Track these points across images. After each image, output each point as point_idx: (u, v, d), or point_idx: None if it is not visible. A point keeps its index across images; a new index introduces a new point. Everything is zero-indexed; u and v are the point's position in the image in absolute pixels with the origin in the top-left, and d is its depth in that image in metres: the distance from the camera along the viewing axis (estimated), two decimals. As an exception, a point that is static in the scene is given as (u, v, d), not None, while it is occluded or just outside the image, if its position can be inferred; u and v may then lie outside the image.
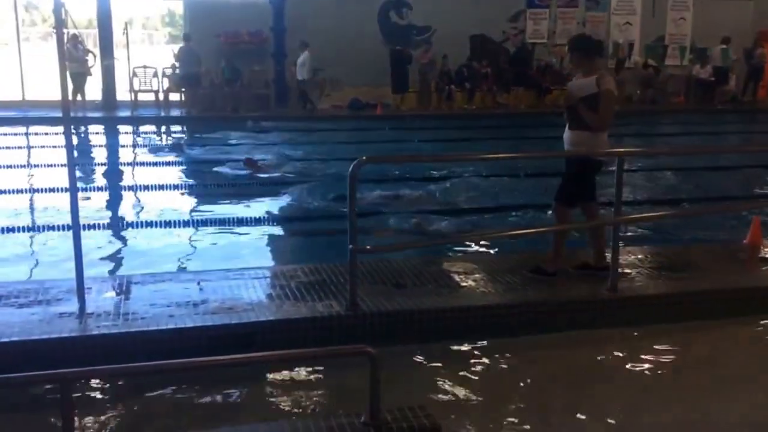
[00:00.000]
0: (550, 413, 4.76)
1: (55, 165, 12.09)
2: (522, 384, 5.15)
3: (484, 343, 5.65)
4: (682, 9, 24.41)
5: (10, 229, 8.63)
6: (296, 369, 5.10)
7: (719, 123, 20.62)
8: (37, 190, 10.96)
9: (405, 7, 23.33)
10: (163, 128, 18.99)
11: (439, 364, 5.31)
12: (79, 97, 19.94)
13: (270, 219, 9.59)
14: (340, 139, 16.71)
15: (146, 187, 11.54)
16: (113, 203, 10.81)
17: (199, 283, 6.09)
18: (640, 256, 7.24)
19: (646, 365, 5.47)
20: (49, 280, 6.26)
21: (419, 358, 5.40)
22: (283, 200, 10.65)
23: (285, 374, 5.06)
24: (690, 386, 5.19)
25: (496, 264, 6.89)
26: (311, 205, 10.17)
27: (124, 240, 8.69)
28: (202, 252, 8.27)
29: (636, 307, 6.16)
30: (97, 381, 4.84)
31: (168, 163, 13.50)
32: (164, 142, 15.72)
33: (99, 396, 4.78)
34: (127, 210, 10.42)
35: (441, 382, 5.07)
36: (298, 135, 17.45)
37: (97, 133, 18.06)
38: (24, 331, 5.06)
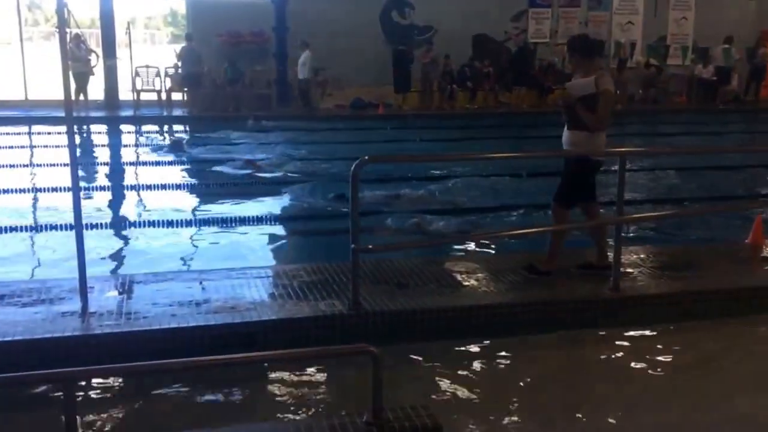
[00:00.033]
0: (551, 413, 4.76)
1: (57, 164, 12.10)
2: (524, 383, 5.15)
3: (486, 342, 5.66)
4: (684, 9, 24.39)
5: (14, 229, 8.64)
6: (298, 368, 5.10)
7: (721, 123, 20.59)
8: (40, 190, 10.96)
9: (407, 6, 23.34)
10: (166, 128, 18.99)
11: (441, 364, 5.31)
12: (81, 97, 19.93)
13: (272, 218, 9.59)
14: (341, 139, 16.71)
15: (148, 187, 11.56)
16: (116, 203, 10.82)
17: (201, 283, 6.10)
18: (642, 256, 7.24)
19: (648, 365, 5.47)
20: (52, 279, 6.27)
21: (421, 358, 5.40)
22: (285, 200, 10.66)
23: (287, 373, 5.06)
24: (691, 386, 5.18)
25: (497, 263, 6.90)
26: (313, 204, 10.18)
27: (126, 239, 8.70)
28: (205, 251, 8.28)
29: (638, 307, 6.16)
30: (100, 380, 4.85)
31: (170, 163, 13.50)
32: (166, 142, 15.69)
33: (101, 395, 4.78)
34: (129, 209, 10.43)
35: (443, 382, 5.07)
36: (299, 134, 17.45)
37: (99, 132, 18.07)
38: (27, 330, 5.07)
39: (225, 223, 9.15)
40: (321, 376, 5.08)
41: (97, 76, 20.82)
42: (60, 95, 5.59)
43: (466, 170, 12.18)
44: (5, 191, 10.63)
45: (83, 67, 20.00)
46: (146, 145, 16.17)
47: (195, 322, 5.29)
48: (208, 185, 11.75)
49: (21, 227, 8.74)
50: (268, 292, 5.94)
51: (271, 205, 10.46)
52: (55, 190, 10.47)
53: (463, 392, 4.94)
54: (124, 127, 18.77)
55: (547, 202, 6.63)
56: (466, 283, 6.32)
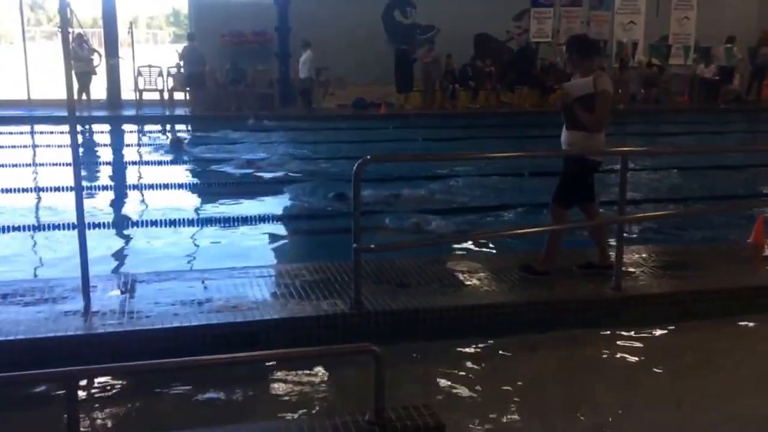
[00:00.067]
0: (553, 412, 4.77)
1: (60, 164, 12.12)
2: (526, 383, 5.15)
3: (488, 341, 5.66)
4: (686, 8, 24.36)
5: (16, 228, 8.65)
6: (301, 367, 5.11)
7: (723, 122, 20.58)
8: (43, 189, 10.98)
9: (409, 6, 23.34)
10: (168, 127, 19.00)
11: (443, 363, 5.32)
12: (84, 96, 19.96)
13: (274, 218, 9.60)
14: (343, 138, 16.71)
15: (151, 186, 11.57)
16: (118, 202, 10.83)
17: (203, 282, 6.11)
18: (644, 255, 7.24)
19: (650, 364, 5.47)
20: (55, 278, 6.27)
21: (423, 357, 5.40)
22: (287, 199, 10.67)
23: (289, 373, 5.06)
24: (693, 385, 5.18)
25: (499, 263, 6.90)
26: (315, 204, 10.19)
27: (128, 238, 8.70)
28: (207, 250, 8.28)
29: (640, 306, 6.16)
30: (102, 379, 4.86)
31: (172, 163, 13.52)
32: (169, 141, 15.68)
33: (104, 394, 4.79)
34: (131, 209, 10.43)
35: (445, 381, 5.08)
36: (301, 134, 17.47)
37: (102, 132, 18.09)
38: (30, 329, 5.07)
39: (227, 222, 9.16)
40: (323, 376, 5.08)
41: (99, 75, 20.86)
42: (62, 95, 5.59)
43: (468, 170, 12.19)
44: (8, 191, 10.64)
45: (86, 66, 20.03)
46: (148, 145, 16.18)
47: (197, 322, 5.29)
48: (210, 185, 11.76)
49: (24, 226, 8.76)
50: (270, 292, 5.95)
51: (273, 204, 10.47)
52: (57, 189, 10.49)
53: (465, 391, 4.95)
54: (126, 127, 18.77)
55: (549, 202, 6.63)
56: (468, 283, 6.32)
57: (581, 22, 23.71)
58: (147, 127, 18.75)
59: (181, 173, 12.81)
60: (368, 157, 5.59)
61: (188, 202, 10.65)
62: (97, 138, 17.49)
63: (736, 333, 6.07)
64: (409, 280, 6.26)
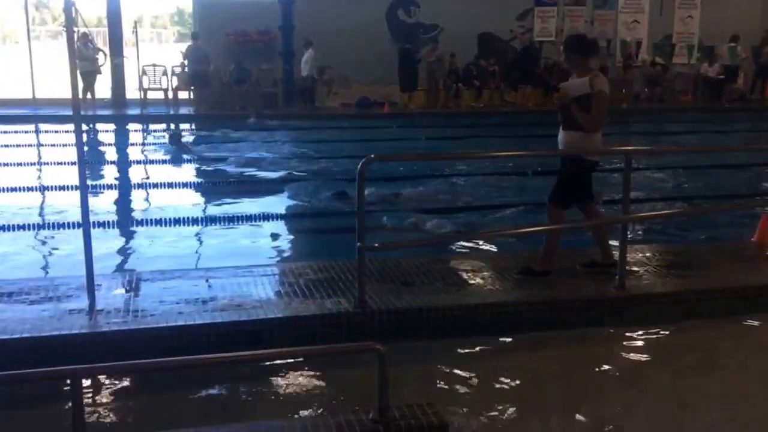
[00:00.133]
0: (557, 411, 4.78)
1: (65, 163, 12.15)
2: (529, 382, 5.16)
3: (492, 340, 5.67)
4: (690, 7, 24.35)
5: (21, 227, 8.68)
6: (305, 366, 5.12)
7: (727, 121, 20.55)
8: (48, 188, 11.01)
9: (413, 5, 23.34)
10: (172, 126, 19.03)
11: (447, 362, 5.32)
12: (89, 96, 20.00)
13: (278, 216, 9.62)
14: (347, 137, 16.72)
15: (155, 185, 11.60)
16: (123, 201, 10.86)
17: (207, 281, 6.13)
18: (648, 254, 7.24)
19: (654, 363, 5.49)
20: (60, 277, 6.29)
21: (427, 356, 5.41)
22: (291, 198, 10.67)
23: (293, 371, 5.07)
24: (696, 385, 5.19)
25: (503, 262, 6.90)
26: (317, 203, 10.19)
27: (133, 237, 8.72)
28: (211, 249, 8.30)
29: (644, 305, 6.16)
30: (107, 377, 4.88)
31: (176, 161, 13.53)
32: (173, 140, 15.69)
33: (109, 392, 4.81)
34: (136, 207, 10.46)
35: (449, 379, 5.08)
36: (305, 133, 17.49)
37: (106, 131, 18.12)
38: (35, 327, 5.09)
39: (231, 220, 9.18)
40: (327, 374, 5.08)
41: (104, 74, 20.89)
42: (67, 94, 5.61)
43: (471, 169, 12.19)
44: (13, 189, 10.68)
45: (90, 65, 20.07)
46: (153, 144, 16.20)
47: (202, 320, 5.31)
48: (214, 183, 11.78)
49: (29, 225, 8.79)
50: (274, 290, 5.96)
51: (277, 203, 10.49)
52: (62, 188, 10.52)
53: (468, 390, 4.96)
54: (131, 126, 18.81)
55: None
56: (472, 282, 6.33)
57: (585, 21, 23.70)
58: (151, 126, 18.77)
59: (185, 172, 12.83)
60: (372, 156, 5.60)
61: (192, 201, 10.67)
62: (101, 137, 17.53)
63: (740, 332, 6.06)
64: (412, 279, 6.27)
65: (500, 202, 10.14)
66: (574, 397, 4.95)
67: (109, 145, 16.46)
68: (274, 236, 8.90)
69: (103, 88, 21.05)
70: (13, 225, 8.68)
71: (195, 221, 9.17)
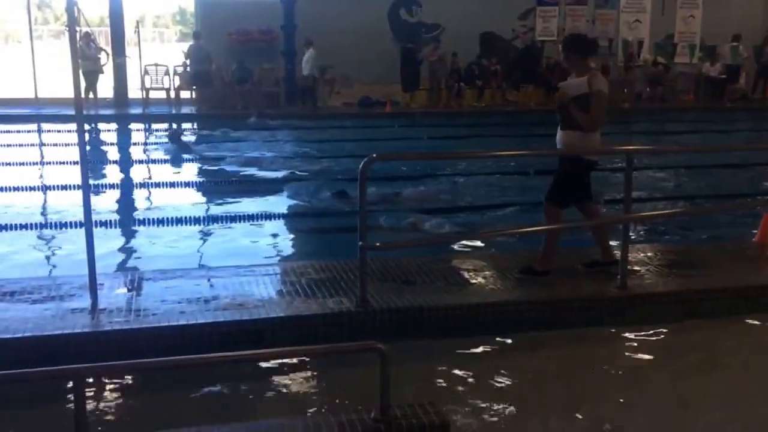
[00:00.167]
0: (557, 410, 4.78)
1: (67, 162, 12.17)
2: (531, 381, 5.17)
3: (493, 340, 5.67)
4: (692, 7, 24.35)
5: (24, 226, 8.69)
6: (306, 365, 5.13)
7: (729, 121, 20.54)
8: (50, 187, 11.02)
9: (415, 4, 23.34)
10: (174, 126, 19.03)
11: (449, 361, 5.32)
12: (91, 95, 20.01)
13: (279, 216, 9.63)
14: (349, 137, 16.73)
15: (157, 185, 11.61)
16: (125, 200, 10.87)
17: (209, 280, 6.14)
18: (649, 254, 7.25)
19: (655, 363, 5.49)
20: (62, 276, 6.32)
21: (429, 355, 5.41)
22: (293, 197, 10.68)
23: (295, 370, 5.08)
24: (698, 385, 5.19)
25: (505, 261, 6.90)
26: (320, 202, 10.20)
27: (135, 236, 8.73)
28: (213, 248, 8.31)
29: (645, 305, 6.16)
30: (110, 376, 4.89)
31: (178, 161, 13.55)
32: (172, 138, 15.69)
33: (111, 391, 4.82)
34: (138, 207, 10.47)
35: (450, 379, 5.09)
36: (307, 132, 17.49)
37: (108, 130, 18.14)
38: (37, 326, 5.10)
39: (233, 220, 9.19)
40: (329, 373, 5.09)
41: (106, 74, 20.90)
42: (70, 93, 5.62)
43: (473, 168, 12.19)
44: (16, 189, 10.69)
45: (93, 65, 20.08)
46: (155, 143, 16.21)
47: (204, 319, 5.32)
48: (216, 183, 11.79)
49: (31, 224, 8.80)
50: (276, 290, 5.97)
51: (279, 202, 10.49)
52: (64, 187, 10.52)
53: (469, 389, 4.96)
54: (133, 126, 18.82)
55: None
56: (473, 281, 6.34)
57: (586, 20, 23.71)
58: (153, 126, 18.78)
59: (187, 172, 12.84)
60: (374, 155, 5.60)
61: (194, 200, 10.68)
62: (103, 136, 17.54)
63: (742, 332, 6.06)
64: (414, 278, 6.28)
65: (502, 202, 10.14)
66: (575, 397, 4.95)
67: (111, 144, 16.44)
68: (276, 235, 8.91)
69: (105, 87, 21.07)
70: (16, 224, 8.69)
71: (197, 220, 9.18)
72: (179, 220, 9.07)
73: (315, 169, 12.59)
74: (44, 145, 15.96)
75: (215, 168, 12.81)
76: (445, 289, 6.08)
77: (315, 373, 5.09)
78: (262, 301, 5.68)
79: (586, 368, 5.43)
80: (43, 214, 9.82)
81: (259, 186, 11.49)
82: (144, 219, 9.26)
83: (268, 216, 9.45)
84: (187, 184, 11.59)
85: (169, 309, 5.49)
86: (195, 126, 19.13)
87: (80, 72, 6.03)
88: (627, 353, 5.65)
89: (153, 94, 21.29)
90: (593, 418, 4.65)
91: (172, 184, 11.38)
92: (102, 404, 4.66)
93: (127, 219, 9.42)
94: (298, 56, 21.19)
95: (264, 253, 8.07)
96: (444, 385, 5.02)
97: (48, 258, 7.91)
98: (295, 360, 5.12)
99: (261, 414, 4.57)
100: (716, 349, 5.75)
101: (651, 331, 5.91)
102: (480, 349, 5.57)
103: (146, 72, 21.31)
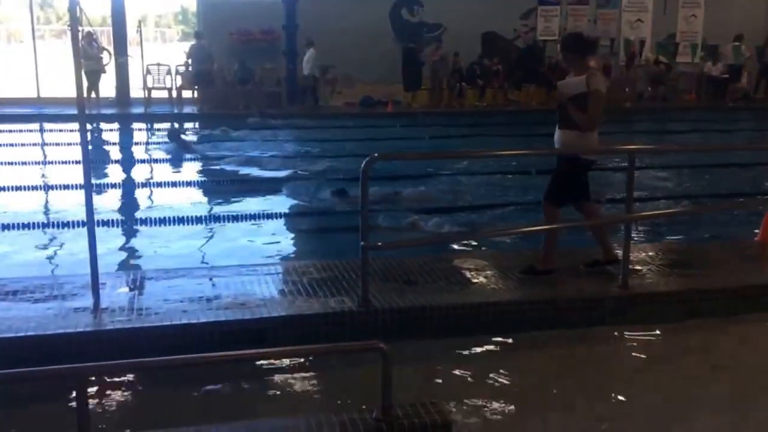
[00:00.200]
0: (559, 409, 4.79)
1: (69, 162, 12.18)
2: (532, 380, 5.17)
3: (495, 339, 5.68)
4: (694, 6, 24.34)
5: (26, 225, 8.70)
6: (308, 364, 5.13)
7: (730, 120, 20.52)
8: (52, 187, 11.03)
9: (416, 4, 23.35)
10: (176, 125, 19.05)
11: (450, 360, 5.33)
12: (93, 95, 20.02)
13: (281, 215, 9.64)
14: (351, 136, 16.73)
15: (159, 184, 11.62)
16: (127, 199, 10.88)
17: (211, 279, 6.14)
18: (651, 253, 7.25)
19: (656, 363, 5.49)
20: (64, 275, 6.33)
21: (430, 354, 5.42)
22: (295, 197, 10.68)
23: (297, 370, 5.09)
24: (699, 384, 5.19)
25: (506, 261, 6.90)
26: (322, 202, 10.20)
27: (137, 236, 8.74)
28: (215, 248, 8.31)
29: (647, 304, 6.16)
30: (112, 375, 4.90)
31: (180, 160, 13.56)
32: (171, 137, 15.68)
33: (113, 390, 4.82)
34: (140, 206, 10.48)
35: (452, 378, 5.09)
36: (308, 132, 17.50)
37: (110, 130, 18.15)
38: (39, 325, 5.11)
39: (234, 219, 9.21)
40: (331, 373, 5.10)
41: (108, 73, 20.92)
42: (72, 93, 5.62)
43: (475, 168, 12.19)
44: (18, 188, 10.70)
45: (95, 65, 20.08)
46: (157, 143, 16.22)
47: (205, 318, 5.32)
48: (218, 182, 11.80)
49: (33, 224, 8.81)
50: (278, 289, 5.97)
51: (280, 202, 10.50)
52: (67, 187, 10.53)
53: (471, 389, 4.96)
54: (135, 125, 18.83)
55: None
56: (475, 281, 6.34)
57: (588, 20, 23.71)
58: (155, 125, 18.78)
59: (189, 171, 12.85)
60: (376, 154, 5.60)
61: (196, 200, 10.70)
62: (106, 136, 17.54)
63: (743, 332, 6.06)
64: (416, 278, 6.28)
65: (504, 201, 10.14)
66: (576, 396, 4.95)
67: (114, 143, 16.46)
68: (277, 235, 8.91)
69: (107, 87, 21.10)
70: (18, 223, 8.70)
71: (199, 220, 9.19)
72: (181, 220, 9.07)
73: (317, 168, 12.59)
74: (46, 144, 15.96)
75: (217, 167, 12.83)
76: (446, 289, 6.08)
77: (317, 373, 5.09)
78: (264, 301, 5.68)
79: (587, 368, 5.44)
80: (46, 213, 9.83)
81: (261, 185, 11.49)
82: (146, 218, 9.27)
83: (270, 215, 9.46)
84: (188, 184, 11.60)
85: (171, 308, 5.49)
86: (197, 125, 19.14)
87: (82, 71, 6.04)
88: (628, 353, 5.66)
89: (155, 94, 21.30)
90: (594, 417, 4.66)
91: (174, 184, 11.39)
92: (104, 403, 4.67)
93: (129, 218, 9.43)
94: (299, 56, 21.20)
95: (266, 252, 8.07)
96: (446, 384, 5.03)
97: (50, 257, 7.91)
98: (296, 359, 5.13)
99: (262, 413, 4.58)
100: (717, 349, 5.75)
101: (652, 331, 5.91)
102: (481, 349, 5.58)
103: (148, 72, 21.32)
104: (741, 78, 24.14)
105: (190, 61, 21.07)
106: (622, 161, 6.73)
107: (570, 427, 4.62)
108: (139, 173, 13.03)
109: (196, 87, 21.17)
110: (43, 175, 12.18)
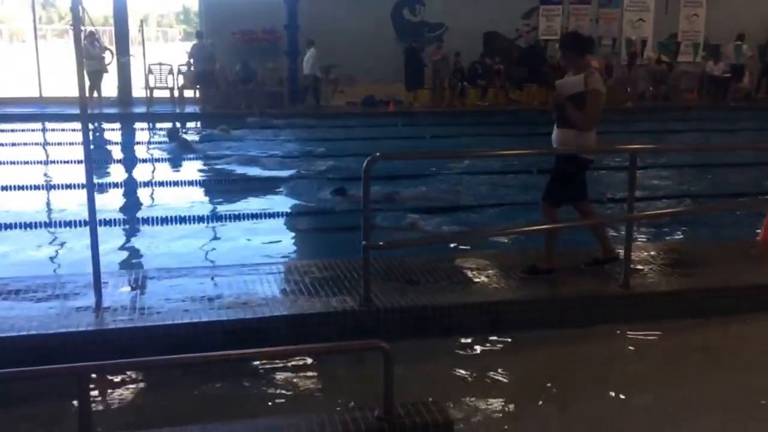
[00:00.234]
0: (561, 409, 4.79)
1: (71, 161, 12.19)
2: (533, 380, 5.17)
3: (496, 338, 5.69)
4: (695, 5, 24.35)
5: (28, 225, 8.71)
6: (310, 364, 5.14)
7: (732, 120, 20.51)
8: (54, 186, 11.05)
9: (418, 3, 23.34)
10: (178, 125, 19.06)
11: (452, 360, 5.34)
12: (95, 94, 20.03)
13: (283, 214, 9.66)
14: (353, 136, 16.74)
15: (161, 183, 11.63)
16: (129, 199, 10.89)
17: (213, 278, 6.15)
18: (652, 253, 7.25)
19: (657, 362, 5.50)
20: (67, 274, 6.34)
21: (432, 354, 5.42)
22: (296, 196, 10.69)
23: (299, 369, 5.09)
24: (699, 384, 5.19)
25: (508, 260, 6.91)
26: (323, 201, 10.21)
27: (139, 235, 8.75)
28: (217, 247, 8.33)
29: (648, 304, 6.17)
30: (113, 374, 4.91)
31: (182, 160, 13.57)
32: (171, 136, 15.68)
33: (115, 389, 4.83)
34: (142, 205, 10.49)
35: (453, 378, 5.10)
36: (310, 132, 17.50)
37: (113, 129, 18.16)
38: (42, 325, 5.12)
39: (236, 218, 9.22)
40: (332, 372, 5.11)
41: (110, 73, 20.94)
42: (74, 92, 5.63)
43: (476, 167, 12.19)
44: (20, 187, 10.71)
45: (97, 64, 20.08)
46: (159, 142, 16.24)
47: (207, 318, 5.33)
48: (219, 182, 11.82)
49: (36, 223, 8.81)
50: (279, 288, 5.98)
51: (282, 201, 10.51)
52: (69, 186, 10.55)
53: (473, 388, 4.97)
54: (137, 124, 18.85)
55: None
56: (477, 280, 6.35)
57: (590, 19, 23.73)
58: (158, 125, 18.80)
59: (191, 171, 12.85)
60: (378, 154, 5.60)
61: (197, 199, 10.70)
62: (108, 135, 17.56)
63: (745, 332, 6.06)
64: (417, 278, 6.28)
65: (506, 201, 10.14)
66: (577, 396, 4.96)
67: (116, 143, 16.48)
68: (279, 234, 8.92)
69: (109, 86, 21.12)
70: (20, 223, 8.71)
71: (201, 219, 9.20)
72: (183, 219, 9.09)
73: (318, 168, 12.59)
74: (49, 144, 15.97)
75: (218, 167, 12.83)
76: (448, 288, 6.09)
77: (318, 372, 5.10)
78: (266, 300, 5.69)
79: (588, 367, 5.44)
80: (48, 212, 9.85)
81: (263, 185, 11.49)
82: (148, 217, 9.28)
83: (272, 214, 9.47)
84: (190, 183, 11.61)
85: (173, 307, 5.50)
86: (199, 125, 19.15)
87: (84, 71, 6.05)
88: (630, 352, 5.66)
89: (157, 93, 21.29)
90: (595, 417, 4.66)
91: (176, 183, 11.41)
92: (106, 402, 4.68)
93: (131, 217, 9.44)
94: (301, 56, 21.20)
95: (267, 251, 8.08)
96: (447, 383, 5.03)
97: (52, 256, 7.93)
98: (298, 359, 5.14)
99: (264, 412, 4.58)
100: (719, 349, 5.76)
101: (654, 330, 5.91)
102: (483, 348, 5.58)
103: (150, 71, 21.32)
104: (743, 78, 24.11)
105: (192, 60, 21.07)
106: (623, 161, 6.72)
107: (571, 426, 4.62)
108: (140, 172, 13.04)
109: (198, 87, 21.17)
110: (45, 175, 12.20)
